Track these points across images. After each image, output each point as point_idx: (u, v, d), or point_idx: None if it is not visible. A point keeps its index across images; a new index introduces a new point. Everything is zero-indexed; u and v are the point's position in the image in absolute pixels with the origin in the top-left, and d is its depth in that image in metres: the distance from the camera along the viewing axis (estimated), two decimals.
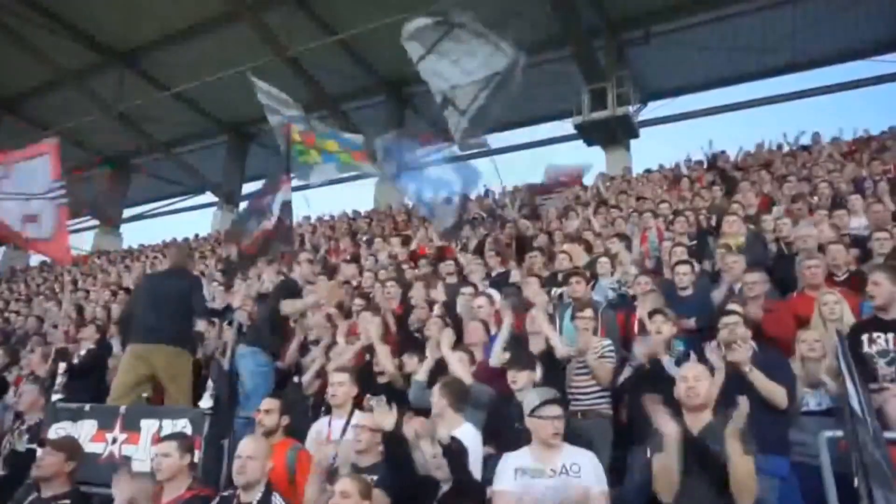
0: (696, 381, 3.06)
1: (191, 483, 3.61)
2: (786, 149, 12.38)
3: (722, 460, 2.73)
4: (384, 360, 4.84)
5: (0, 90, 22.65)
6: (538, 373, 4.13)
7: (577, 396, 4.37)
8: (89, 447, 4.62)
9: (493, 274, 7.25)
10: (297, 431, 4.24)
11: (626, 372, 4.43)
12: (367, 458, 3.67)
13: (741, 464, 2.70)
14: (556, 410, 3.22)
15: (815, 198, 7.82)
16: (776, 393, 3.56)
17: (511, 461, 3.22)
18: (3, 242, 7.15)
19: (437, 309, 5.83)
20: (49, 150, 6.79)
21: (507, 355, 4.33)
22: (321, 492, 3.36)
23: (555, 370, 4.30)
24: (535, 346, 4.56)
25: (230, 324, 6.30)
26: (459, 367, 4.28)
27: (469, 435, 3.64)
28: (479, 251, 8.24)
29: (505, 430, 3.93)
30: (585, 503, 2.96)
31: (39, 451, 4.06)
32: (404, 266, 8.51)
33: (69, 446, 4.12)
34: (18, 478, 4.37)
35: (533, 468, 3.14)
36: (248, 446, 3.42)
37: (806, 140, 12.56)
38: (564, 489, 3.00)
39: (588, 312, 4.69)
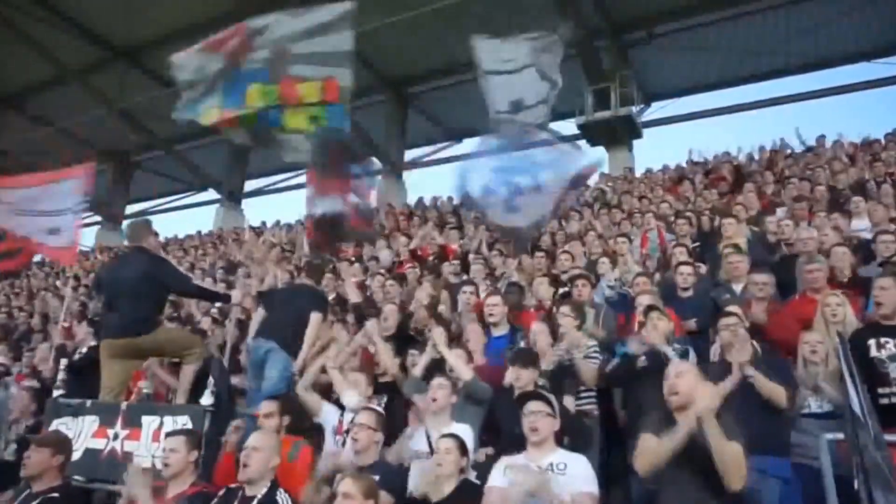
0: (677, 378, 3.04)
1: (195, 479, 3.63)
2: (789, 151, 12.37)
3: (708, 453, 2.75)
4: (385, 359, 4.84)
5: (3, 86, 22.66)
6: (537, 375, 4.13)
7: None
8: (91, 443, 4.62)
9: (498, 273, 7.26)
10: (298, 431, 4.25)
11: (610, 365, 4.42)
12: (366, 458, 3.68)
13: (722, 446, 2.70)
14: (535, 406, 3.30)
15: (817, 200, 7.81)
16: (776, 393, 3.57)
17: (505, 460, 3.28)
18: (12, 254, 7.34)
19: (423, 307, 5.83)
20: (84, 173, 6.94)
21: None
22: (317, 492, 3.39)
23: (560, 378, 4.31)
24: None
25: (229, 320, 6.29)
26: (458, 363, 4.23)
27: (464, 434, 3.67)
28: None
29: (505, 431, 3.94)
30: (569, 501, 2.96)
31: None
32: (407, 265, 8.50)
33: (54, 441, 4.11)
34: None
35: (520, 465, 3.18)
36: (254, 438, 3.46)
37: (810, 142, 12.53)
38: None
39: (568, 310, 4.71)
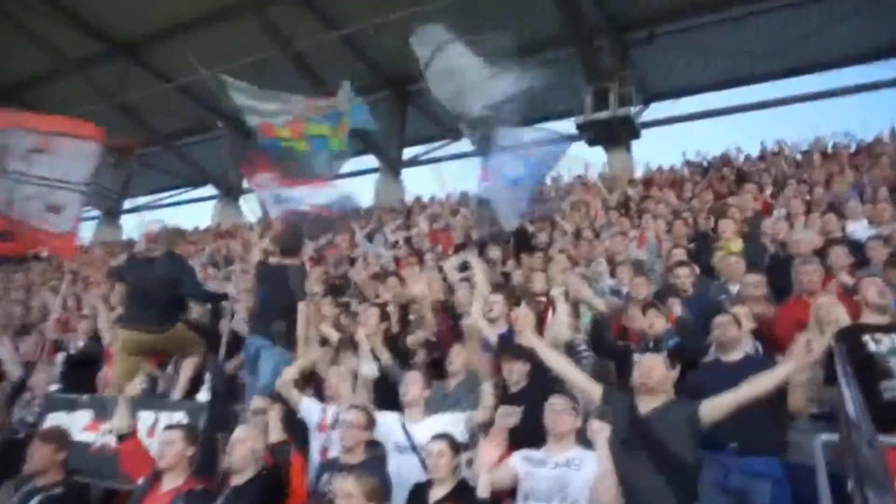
0: (651, 370, 3.29)
1: (189, 476, 3.65)
2: (787, 152, 12.36)
3: (662, 440, 3.00)
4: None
5: (2, 78, 22.59)
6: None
7: None
8: (81, 436, 4.64)
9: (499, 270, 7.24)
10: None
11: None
12: (354, 457, 3.68)
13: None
14: (559, 401, 3.41)
15: (815, 202, 7.81)
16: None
17: (524, 451, 3.37)
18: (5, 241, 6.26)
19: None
20: (96, 137, 6.11)
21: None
22: None
23: (542, 370, 4.32)
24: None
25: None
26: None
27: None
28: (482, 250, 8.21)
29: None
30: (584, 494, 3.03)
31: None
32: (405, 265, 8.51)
33: (57, 436, 4.17)
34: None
35: (538, 458, 3.27)
36: (237, 431, 3.56)
37: (804, 147, 12.51)
38: (562, 480, 3.11)
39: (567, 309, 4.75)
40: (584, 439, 3.37)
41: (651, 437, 3.00)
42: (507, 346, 4.22)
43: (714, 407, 3.09)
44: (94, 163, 6.08)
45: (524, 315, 4.07)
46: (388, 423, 3.92)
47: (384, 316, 5.15)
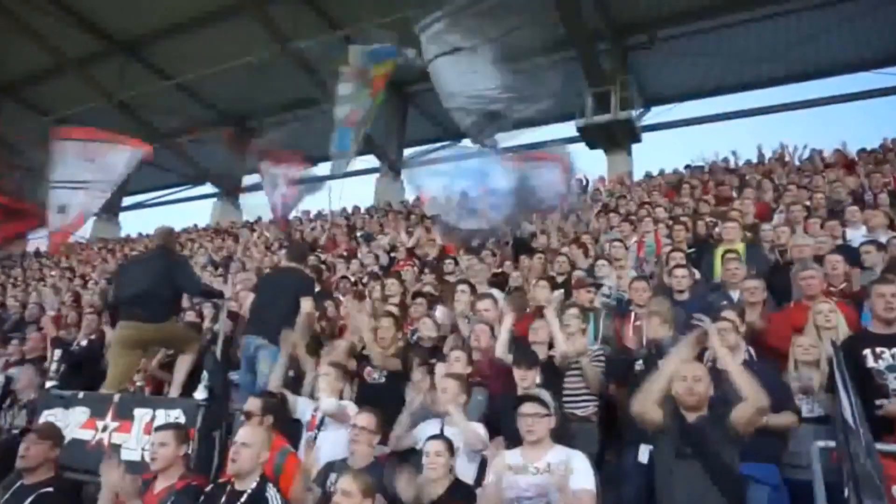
0: (696, 382, 3.08)
1: (183, 473, 3.63)
2: (787, 158, 12.36)
3: (713, 449, 2.89)
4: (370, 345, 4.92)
5: (2, 75, 22.52)
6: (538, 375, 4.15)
7: (565, 400, 4.37)
8: (77, 433, 4.62)
9: (490, 274, 7.24)
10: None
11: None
12: (362, 460, 3.68)
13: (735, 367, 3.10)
14: (530, 408, 3.34)
15: (815, 208, 7.81)
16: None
17: (501, 458, 3.32)
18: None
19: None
20: (142, 151, 6.89)
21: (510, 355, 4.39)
22: (306, 490, 3.43)
23: (554, 377, 4.32)
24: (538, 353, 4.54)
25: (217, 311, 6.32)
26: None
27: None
28: (477, 251, 8.20)
29: (504, 430, 3.95)
30: (568, 500, 3.00)
31: (23, 442, 4.00)
32: (404, 264, 8.51)
33: (54, 433, 4.14)
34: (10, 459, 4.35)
35: (519, 465, 3.23)
36: (243, 433, 3.45)
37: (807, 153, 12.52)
38: (546, 486, 3.08)
39: (575, 313, 4.74)
40: (559, 438, 3.38)
41: (703, 446, 2.92)
42: (523, 355, 4.21)
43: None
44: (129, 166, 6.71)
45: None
46: (429, 431, 3.92)
47: (397, 323, 5.17)
